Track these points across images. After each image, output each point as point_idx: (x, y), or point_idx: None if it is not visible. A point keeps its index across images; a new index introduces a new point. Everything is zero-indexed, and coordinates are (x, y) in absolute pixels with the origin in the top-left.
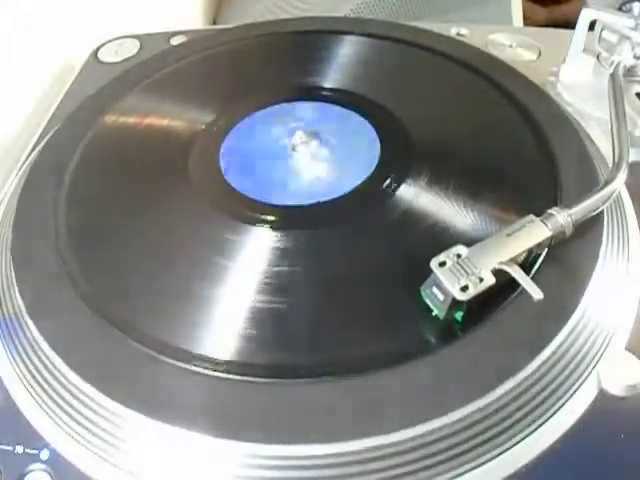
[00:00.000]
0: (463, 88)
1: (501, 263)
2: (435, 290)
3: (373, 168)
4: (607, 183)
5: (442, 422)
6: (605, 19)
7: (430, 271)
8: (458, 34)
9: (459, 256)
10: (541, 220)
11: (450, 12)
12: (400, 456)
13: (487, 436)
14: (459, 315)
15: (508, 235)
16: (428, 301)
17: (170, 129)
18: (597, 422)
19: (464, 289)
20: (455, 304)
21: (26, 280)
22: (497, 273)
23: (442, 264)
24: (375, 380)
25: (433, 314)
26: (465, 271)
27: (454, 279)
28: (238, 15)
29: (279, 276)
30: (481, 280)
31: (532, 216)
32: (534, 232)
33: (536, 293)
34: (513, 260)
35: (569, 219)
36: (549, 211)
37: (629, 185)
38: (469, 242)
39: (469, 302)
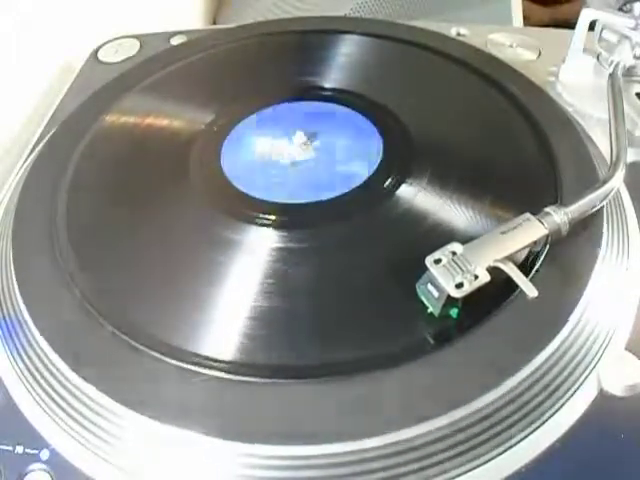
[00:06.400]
0: (463, 88)
1: (496, 261)
2: (430, 287)
3: (374, 167)
4: (604, 182)
5: (442, 422)
6: (605, 19)
7: (426, 268)
8: (458, 34)
9: (454, 253)
10: (537, 218)
11: (450, 12)
12: (400, 456)
13: (487, 436)
14: (454, 312)
15: (503, 233)
16: (423, 298)
17: (170, 129)
18: (597, 422)
19: (459, 286)
20: (450, 301)
21: (26, 280)
22: (494, 272)
23: (437, 261)
24: (375, 380)
25: (428, 311)
26: (460, 268)
27: (449, 276)
28: (238, 15)
29: (279, 275)
30: (476, 277)
31: (528, 214)
32: (530, 230)
33: (531, 291)
34: (509, 258)
35: (565, 217)
36: (545, 209)
37: (629, 185)
38: (470, 241)
39: (464, 299)
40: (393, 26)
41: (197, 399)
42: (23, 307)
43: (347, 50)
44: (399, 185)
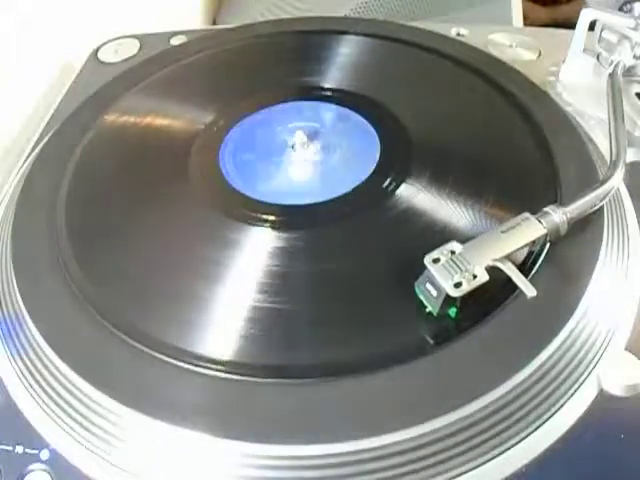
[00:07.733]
0: (463, 88)
1: (495, 260)
2: (429, 286)
3: (373, 167)
4: (604, 182)
5: (442, 422)
6: (605, 19)
7: (425, 267)
8: (458, 34)
9: (453, 252)
10: (536, 218)
11: (450, 12)
12: (400, 456)
13: (487, 436)
14: (452, 311)
15: (502, 232)
16: (422, 297)
17: (170, 129)
18: (597, 422)
19: (457, 285)
20: (448, 300)
21: (26, 281)
22: (494, 271)
23: (436, 260)
24: (375, 380)
25: (427, 310)
26: (459, 267)
27: (447, 275)
28: (238, 15)
29: (279, 276)
30: (475, 277)
31: (527, 214)
32: (529, 229)
33: (530, 291)
34: (508, 257)
35: (564, 217)
36: (545, 209)
37: (629, 185)
38: (469, 241)
39: (463, 299)
40: (393, 26)
41: (197, 399)
42: (23, 307)
43: (347, 50)
44: (398, 185)
